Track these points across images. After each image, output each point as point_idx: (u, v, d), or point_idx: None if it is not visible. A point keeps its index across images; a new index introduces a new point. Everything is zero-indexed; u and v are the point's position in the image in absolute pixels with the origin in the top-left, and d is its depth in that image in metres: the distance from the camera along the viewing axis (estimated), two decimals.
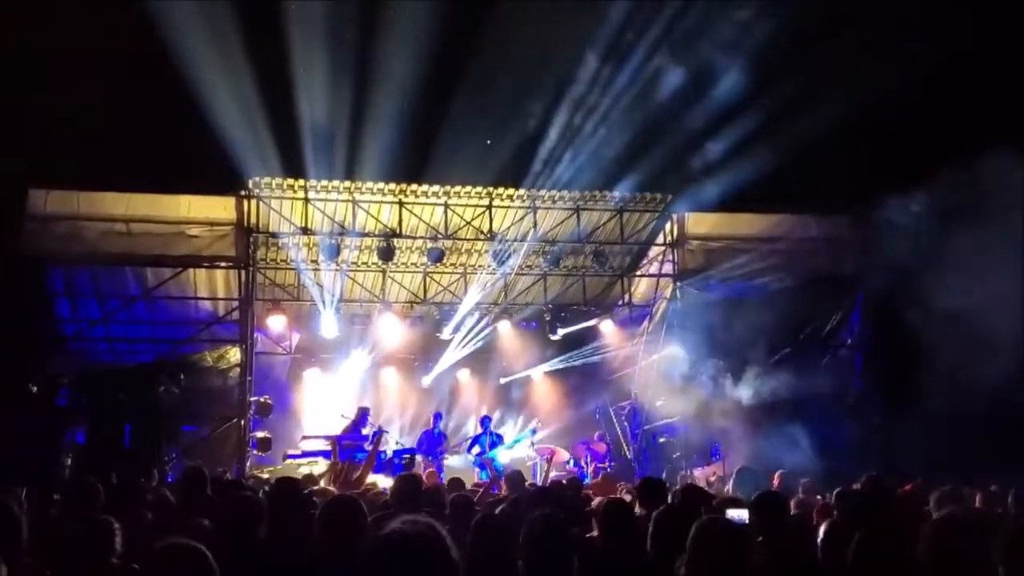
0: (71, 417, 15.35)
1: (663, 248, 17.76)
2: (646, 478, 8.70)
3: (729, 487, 10.16)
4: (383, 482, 13.02)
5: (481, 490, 10.22)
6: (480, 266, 17.81)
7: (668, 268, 17.68)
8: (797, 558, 5.55)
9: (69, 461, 14.81)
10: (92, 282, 16.14)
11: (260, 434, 15.91)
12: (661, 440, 17.67)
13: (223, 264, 16.10)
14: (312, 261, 16.93)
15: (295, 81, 15.06)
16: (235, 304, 16.20)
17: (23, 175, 15.16)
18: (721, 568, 4.11)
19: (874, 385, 17.15)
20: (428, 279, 18.18)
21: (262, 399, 16.23)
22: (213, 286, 16.61)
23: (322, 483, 11.14)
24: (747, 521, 5.81)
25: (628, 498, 7.94)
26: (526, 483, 10.13)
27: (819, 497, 8.89)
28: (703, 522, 4.33)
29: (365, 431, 15.63)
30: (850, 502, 6.71)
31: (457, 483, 10.15)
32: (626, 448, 18.87)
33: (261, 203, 16.12)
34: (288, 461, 15.48)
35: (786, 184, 16.24)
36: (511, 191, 16.74)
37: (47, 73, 14.83)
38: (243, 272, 16.12)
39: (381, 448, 15.30)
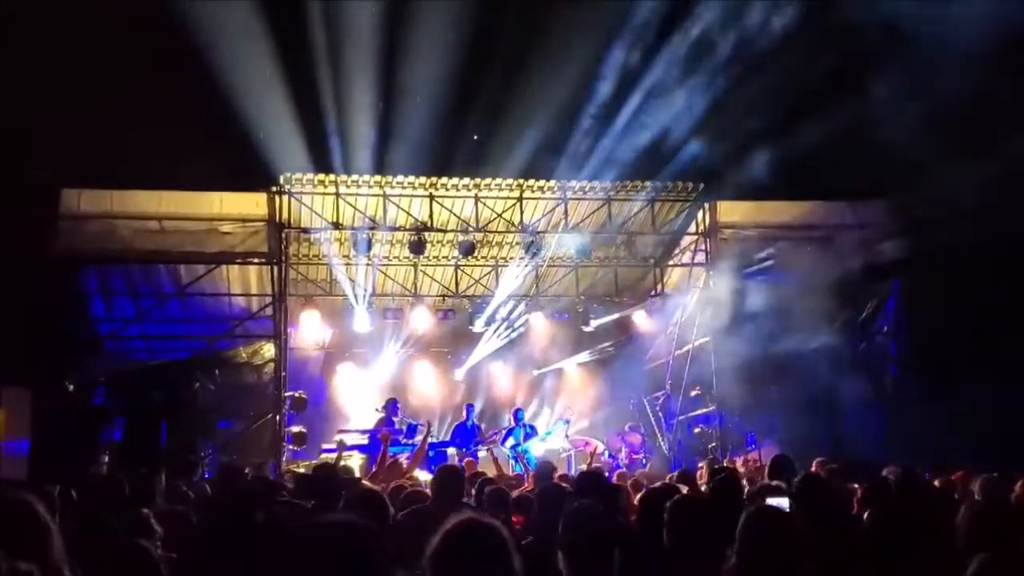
0: (108, 416, 15.50)
1: (696, 237, 17.64)
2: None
3: (766, 476, 10.08)
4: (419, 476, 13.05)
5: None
6: (511, 258, 17.77)
7: (701, 257, 17.58)
8: (840, 544, 5.49)
9: (106, 459, 14.95)
10: (126, 280, 16.27)
11: (295, 429, 15.98)
12: (696, 430, 17.54)
13: (256, 260, 16.17)
14: (344, 256, 16.95)
15: (325, 76, 15.09)
16: (268, 300, 16.28)
17: (56, 175, 15.29)
18: (772, 555, 4.13)
19: (911, 372, 16.95)
20: (459, 272, 18.15)
21: (296, 394, 16.30)
22: (246, 282, 16.69)
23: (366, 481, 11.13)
24: (787, 509, 5.76)
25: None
26: (555, 475, 10.06)
27: (856, 486, 8.78)
28: (753, 510, 4.34)
29: (396, 422, 15.69)
30: (881, 489, 6.67)
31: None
32: (661, 439, 18.77)
33: (292, 199, 16.17)
34: (324, 455, 15.52)
35: (819, 170, 16.08)
36: (541, 183, 16.68)
37: (78, 73, 14.92)
38: (276, 268, 16.19)
39: (414, 441, 15.39)
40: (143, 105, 15.13)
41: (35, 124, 14.50)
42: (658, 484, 7.89)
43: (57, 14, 14.32)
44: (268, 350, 16.48)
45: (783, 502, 5.97)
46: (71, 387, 15.25)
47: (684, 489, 7.47)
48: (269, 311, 16.24)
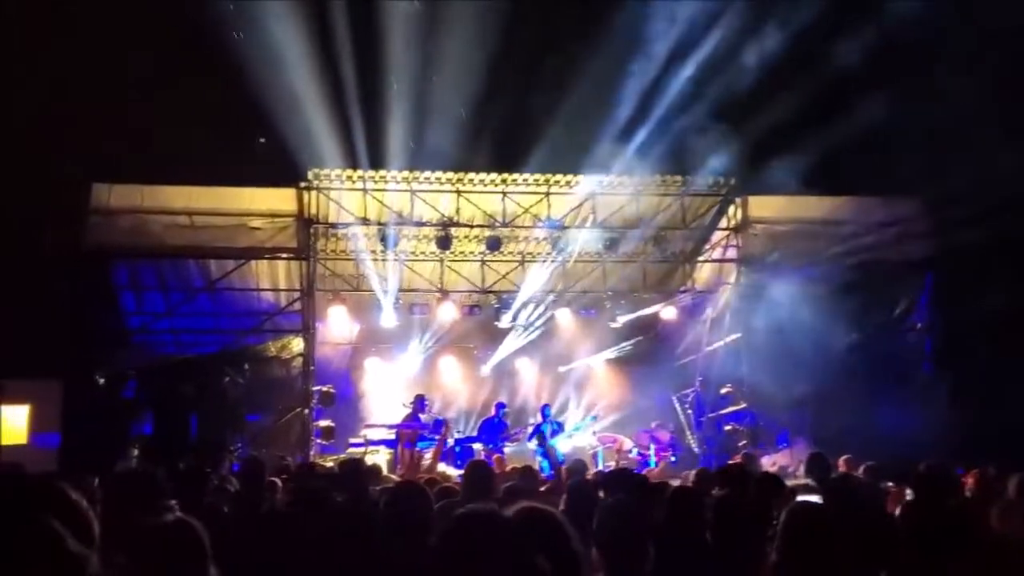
0: (138, 409, 15.58)
1: (726, 233, 17.51)
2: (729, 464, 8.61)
3: (801, 473, 10.03)
4: (446, 471, 13.06)
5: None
6: (538, 254, 17.72)
7: (732, 253, 17.46)
8: (874, 540, 5.44)
9: (136, 452, 15.03)
10: (156, 275, 16.36)
11: (323, 423, 16.04)
12: (727, 428, 17.41)
13: (284, 256, 16.26)
14: (372, 251, 16.97)
15: (353, 72, 15.09)
16: (296, 295, 16.35)
17: (87, 170, 15.40)
18: (813, 551, 4.19)
19: (944, 369, 16.76)
20: (486, 268, 18.12)
21: (324, 388, 16.37)
22: (275, 277, 16.75)
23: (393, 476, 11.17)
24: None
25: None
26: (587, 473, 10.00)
27: (891, 484, 8.69)
28: (794, 507, 4.35)
29: (423, 417, 15.71)
30: (917, 487, 6.59)
31: (529, 471, 10.05)
32: (690, 436, 18.66)
33: (320, 194, 16.21)
34: (351, 450, 15.57)
35: (851, 166, 15.94)
36: (569, 177, 16.61)
37: (108, 69, 15.02)
38: (304, 263, 16.26)
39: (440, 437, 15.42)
40: (173, 101, 15.21)
41: (66, 120, 14.61)
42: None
43: (89, 10, 14.40)
44: (296, 345, 16.55)
45: (815, 499, 5.94)
46: (101, 381, 15.36)
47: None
48: (297, 306, 16.33)
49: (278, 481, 8.33)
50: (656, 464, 16.08)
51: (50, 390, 16.35)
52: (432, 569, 2.77)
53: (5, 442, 17.29)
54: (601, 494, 6.26)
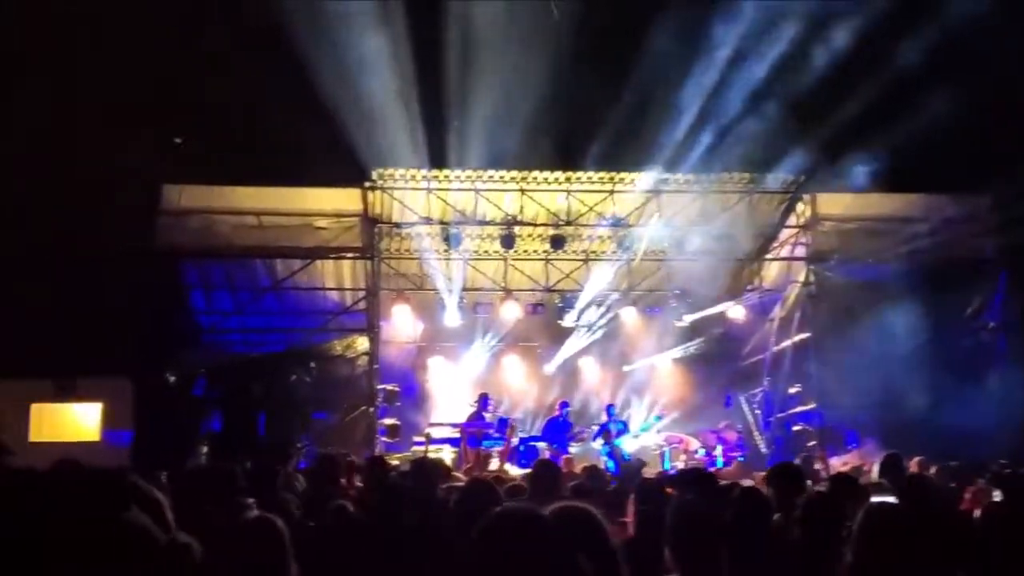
0: (207, 407, 15.80)
1: (795, 230, 17.24)
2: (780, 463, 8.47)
3: (875, 474, 9.85)
4: (508, 470, 13.06)
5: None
6: (602, 252, 17.60)
7: (800, 251, 17.22)
8: (951, 541, 5.33)
9: (205, 450, 15.26)
10: (225, 275, 16.59)
11: (388, 421, 16.16)
12: (796, 428, 17.14)
13: (349, 255, 16.39)
14: (436, 250, 17.03)
15: (417, 72, 15.15)
16: (361, 294, 16.46)
17: (157, 171, 15.68)
18: (891, 552, 4.13)
19: (1018, 368, 16.31)
20: (549, 266, 18.06)
21: (389, 387, 16.48)
22: (340, 276, 16.89)
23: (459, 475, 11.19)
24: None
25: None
26: (642, 475, 9.92)
27: (980, 482, 8.49)
28: (871, 507, 4.30)
29: (488, 416, 15.74)
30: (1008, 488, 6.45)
31: (595, 471, 10.00)
32: (757, 437, 18.42)
33: (385, 194, 16.31)
34: (415, 448, 15.64)
35: (921, 162, 15.65)
36: (634, 175, 16.48)
37: (178, 71, 15.27)
38: (369, 263, 16.38)
39: (506, 436, 15.42)
40: (241, 103, 15.40)
41: (137, 121, 14.89)
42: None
43: (161, 11, 14.66)
44: (361, 343, 16.65)
45: (889, 500, 5.85)
46: (172, 379, 15.60)
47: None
48: (362, 305, 16.46)
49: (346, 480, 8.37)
50: (726, 464, 15.89)
51: (122, 388, 16.71)
52: (469, 568, 2.73)
53: (77, 439, 17.72)
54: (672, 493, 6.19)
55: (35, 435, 18.00)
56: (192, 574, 3.41)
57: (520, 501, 6.27)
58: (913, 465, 10.05)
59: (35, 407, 18.37)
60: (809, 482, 7.99)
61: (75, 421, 18.93)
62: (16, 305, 16.40)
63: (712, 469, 15.03)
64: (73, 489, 3.78)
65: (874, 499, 5.82)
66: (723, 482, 9.21)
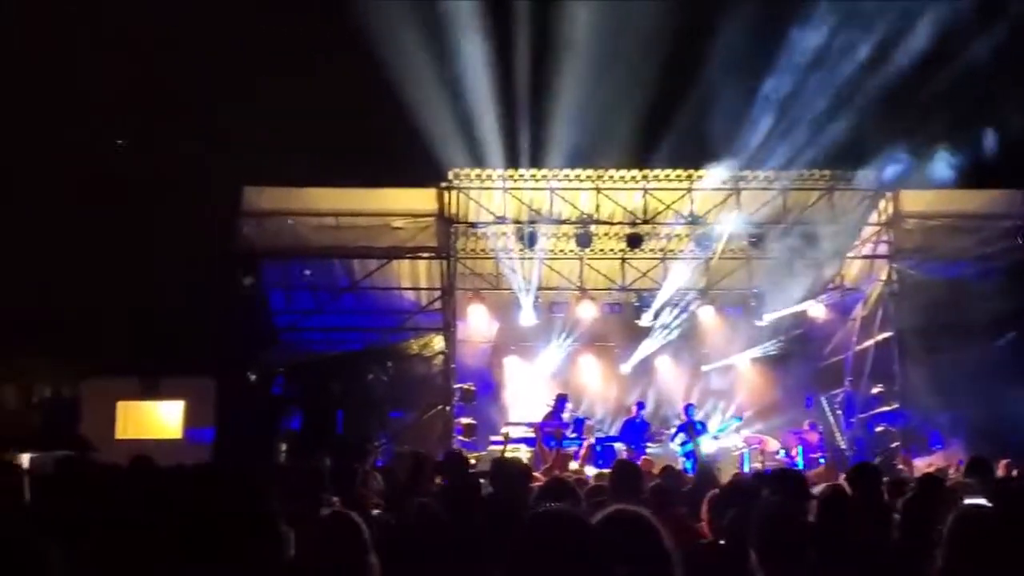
0: (286, 405, 16.03)
1: (877, 228, 16.84)
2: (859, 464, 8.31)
3: (957, 475, 9.60)
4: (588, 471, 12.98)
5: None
6: (680, 250, 17.41)
7: (883, 249, 16.84)
8: None
9: (284, 447, 15.47)
10: (303, 275, 16.79)
11: (465, 420, 16.20)
12: (878, 429, 16.76)
13: (425, 255, 16.46)
14: (511, 250, 17.00)
15: (491, 72, 15.17)
16: (437, 294, 16.53)
17: (238, 174, 15.96)
18: (984, 557, 3.94)
19: None
20: (626, 265, 17.91)
21: (465, 386, 16.52)
22: (416, 276, 17.00)
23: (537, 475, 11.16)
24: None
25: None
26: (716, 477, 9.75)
27: None
28: (963, 511, 4.13)
29: (565, 416, 15.71)
30: None
31: (672, 472, 9.88)
32: (839, 437, 18.03)
33: (460, 194, 16.35)
34: (491, 447, 15.63)
35: (1006, 158, 15.23)
36: (712, 172, 16.22)
37: (258, 75, 15.52)
38: (444, 262, 16.43)
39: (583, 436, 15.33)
40: (319, 105, 15.61)
41: (220, 125, 15.17)
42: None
43: (237, 15, 14.90)
44: (438, 343, 16.73)
45: (980, 502, 5.66)
46: (253, 378, 15.84)
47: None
48: (438, 304, 16.53)
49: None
50: (806, 466, 15.58)
51: (204, 387, 17.08)
52: (506, 569, 2.68)
53: (160, 436, 18.16)
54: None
55: (120, 432, 18.52)
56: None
57: (601, 501, 6.22)
58: (1001, 467, 9.79)
59: (121, 404, 18.89)
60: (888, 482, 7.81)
61: (159, 419, 19.42)
62: (104, 306, 16.88)
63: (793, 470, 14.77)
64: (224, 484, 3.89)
65: (967, 502, 5.64)
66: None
